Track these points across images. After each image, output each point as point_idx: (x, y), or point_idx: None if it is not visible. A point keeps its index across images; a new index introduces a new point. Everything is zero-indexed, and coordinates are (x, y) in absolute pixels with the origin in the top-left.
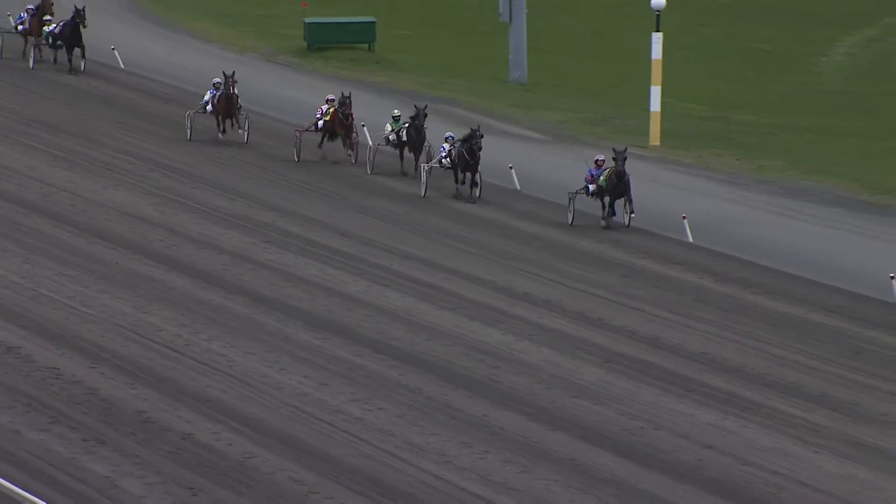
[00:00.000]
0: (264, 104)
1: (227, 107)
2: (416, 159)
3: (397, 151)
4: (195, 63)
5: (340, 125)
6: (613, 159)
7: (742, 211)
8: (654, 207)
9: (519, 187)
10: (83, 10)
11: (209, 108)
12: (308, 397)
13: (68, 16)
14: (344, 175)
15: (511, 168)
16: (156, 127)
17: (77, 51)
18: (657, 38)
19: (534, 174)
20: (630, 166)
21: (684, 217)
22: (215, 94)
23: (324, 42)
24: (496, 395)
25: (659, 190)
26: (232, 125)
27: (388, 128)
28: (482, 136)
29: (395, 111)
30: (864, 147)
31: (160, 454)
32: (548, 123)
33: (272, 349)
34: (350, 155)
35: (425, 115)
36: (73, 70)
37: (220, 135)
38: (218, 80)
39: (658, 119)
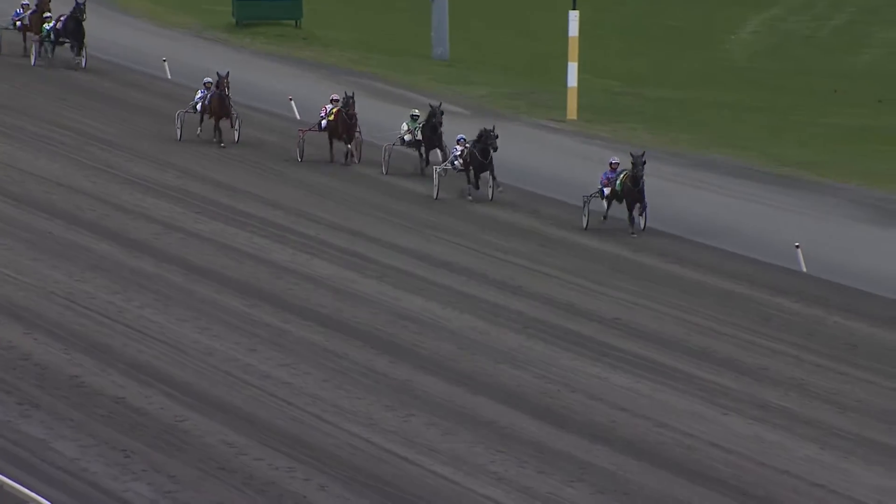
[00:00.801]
0: (193, 77)
1: (220, 108)
2: (428, 159)
3: (416, 151)
4: (127, 38)
5: (344, 126)
6: (632, 164)
7: (654, 182)
8: (571, 179)
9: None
10: (84, 3)
11: (199, 107)
12: (238, 362)
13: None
14: (274, 148)
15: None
16: (91, 101)
17: (76, 47)
18: (574, 17)
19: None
20: (547, 140)
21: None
22: (206, 95)
23: (252, 18)
24: (420, 361)
25: (576, 162)
26: (220, 128)
27: (405, 127)
28: (497, 137)
29: (415, 111)
30: (769, 121)
31: (94, 417)
32: (469, 98)
33: (202, 316)
34: (352, 157)
35: (442, 113)
36: (75, 66)
37: (214, 139)
38: (209, 79)
39: (575, 94)
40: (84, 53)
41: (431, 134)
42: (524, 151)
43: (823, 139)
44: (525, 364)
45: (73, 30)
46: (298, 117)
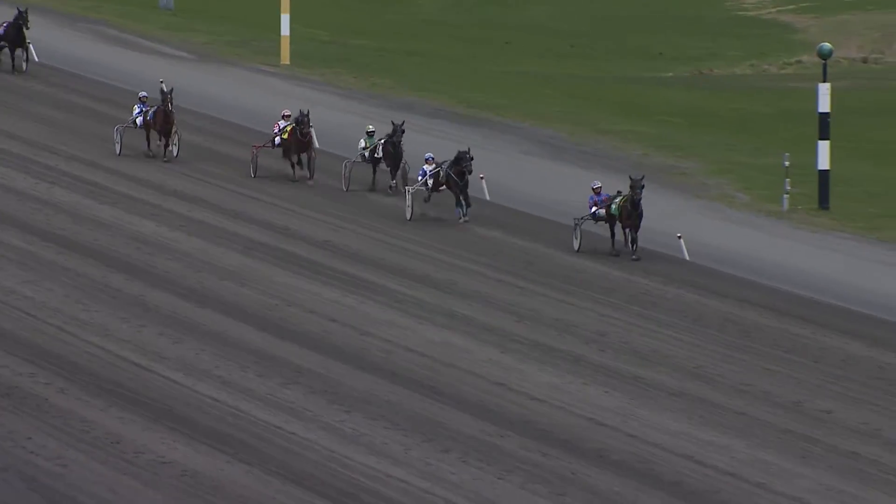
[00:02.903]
0: None
1: (164, 123)
2: (393, 176)
3: (371, 166)
4: None
5: (298, 143)
6: (630, 187)
7: (356, 119)
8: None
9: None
10: (26, 11)
11: (139, 122)
12: None
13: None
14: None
15: (162, 81)
16: None
17: (19, 51)
18: None
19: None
20: (263, 82)
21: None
22: (145, 109)
23: None
24: (152, 278)
25: (289, 102)
26: (168, 144)
27: (363, 143)
28: (472, 159)
29: (370, 127)
30: (456, 68)
31: None
32: (194, 44)
33: None
34: (305, 173)
35: (402, 132)
36: (15, 70)
37: (148, 152)
38: (144, 93)
39: (287, 42)
40: (27, 60)
41: (393, 151)
42: (243, 92)
43: (501, 84)
44: (247, 281)
45: (14, 36)
46: (37, 59)
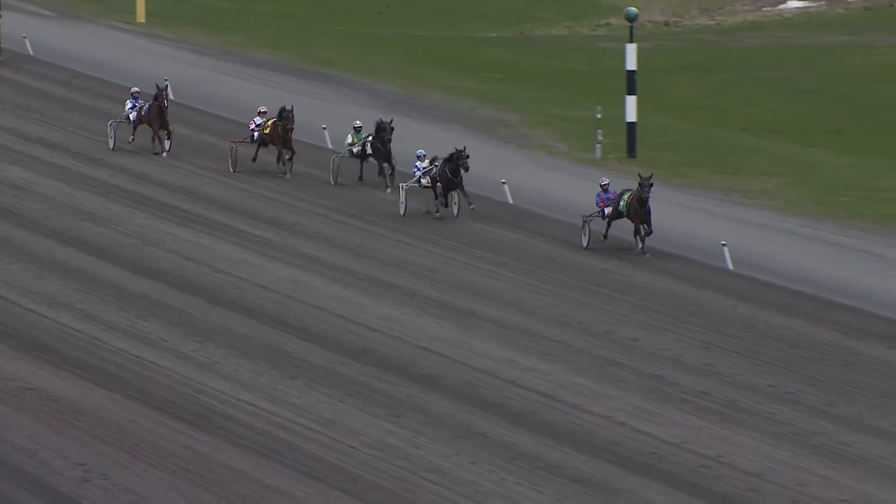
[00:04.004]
0: None
1: (159, 118)
2: (381, 170)
3: (359, 162)
4: None
5: (279, 139)
6: (639, 185)
7: (209, 75)
8: (142, 73)
9: (32, 53)
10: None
11: (132, 118)
12: None
13: None
14: None
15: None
16: None
17: None
18: None
19: (48, 42)
20: (120, 38)
21: (166, 80)
22: (140, 105)
23: None
24: (16, 220)
25: (146, 58)
26: (162, 138)
27: (350, 139)
28: (468, 157)
29: (357, 122)
30: (299, 27)
31: None
32: (52, 3)
33: None
34: (285, 168)
35: (392, 129)
36: None
37: (155, 148)
38: (136, 89)
39: (143, 1)
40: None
41: (382, 147)
42: (100, 48)
43: (340, 42)
44: (106, 222)
45: None
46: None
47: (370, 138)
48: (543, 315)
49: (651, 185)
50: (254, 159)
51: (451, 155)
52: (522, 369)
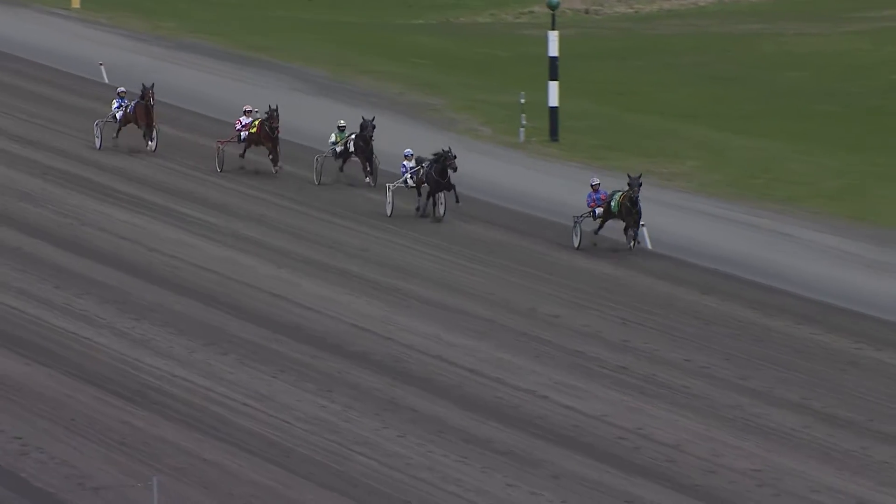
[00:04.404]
0: None
1: (146, 116)
2: (365, 169)
3: (341, 162)
4: None
5: (266, 138)
6: (628, 185)
7: (146, 60)
8: (75, 54)
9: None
10: None
11: (119, 116)
12: None
13: None
14: None
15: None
16: None
17: None
18: None
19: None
20: (56, 24)
21: (101, 63)
22: (125, 104)
23: None
24: None
25: (81, 43)
26: (147, 135)
27: (333, 137)
28: (455, 157)
29: (341, 122)
30: (235, 14)
31: None
32: None
33: None
34: (275, 168)
35: (374, 128)
36: None
37: (148, 145)
38: (122, 89)
39: None
40: None
41: (364, 146)
42: (33, 33)
43: (272, 28)
44: (43, 202)
45: None
46: None
47: (353, 136)
48: (470, 293)
49: (640, 184)
50: (242, 155)
51: (438, 156)
52: (449, 345)
